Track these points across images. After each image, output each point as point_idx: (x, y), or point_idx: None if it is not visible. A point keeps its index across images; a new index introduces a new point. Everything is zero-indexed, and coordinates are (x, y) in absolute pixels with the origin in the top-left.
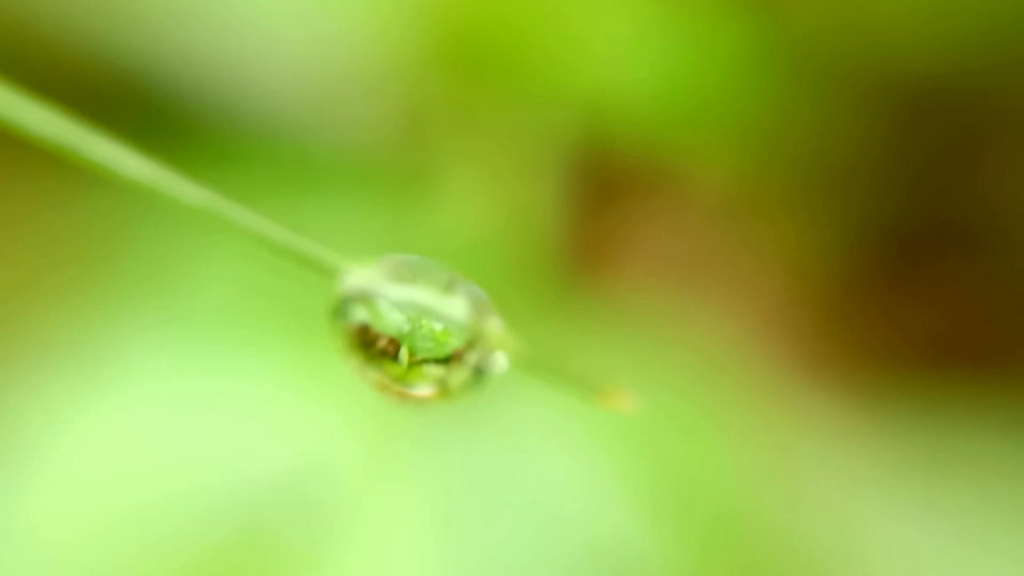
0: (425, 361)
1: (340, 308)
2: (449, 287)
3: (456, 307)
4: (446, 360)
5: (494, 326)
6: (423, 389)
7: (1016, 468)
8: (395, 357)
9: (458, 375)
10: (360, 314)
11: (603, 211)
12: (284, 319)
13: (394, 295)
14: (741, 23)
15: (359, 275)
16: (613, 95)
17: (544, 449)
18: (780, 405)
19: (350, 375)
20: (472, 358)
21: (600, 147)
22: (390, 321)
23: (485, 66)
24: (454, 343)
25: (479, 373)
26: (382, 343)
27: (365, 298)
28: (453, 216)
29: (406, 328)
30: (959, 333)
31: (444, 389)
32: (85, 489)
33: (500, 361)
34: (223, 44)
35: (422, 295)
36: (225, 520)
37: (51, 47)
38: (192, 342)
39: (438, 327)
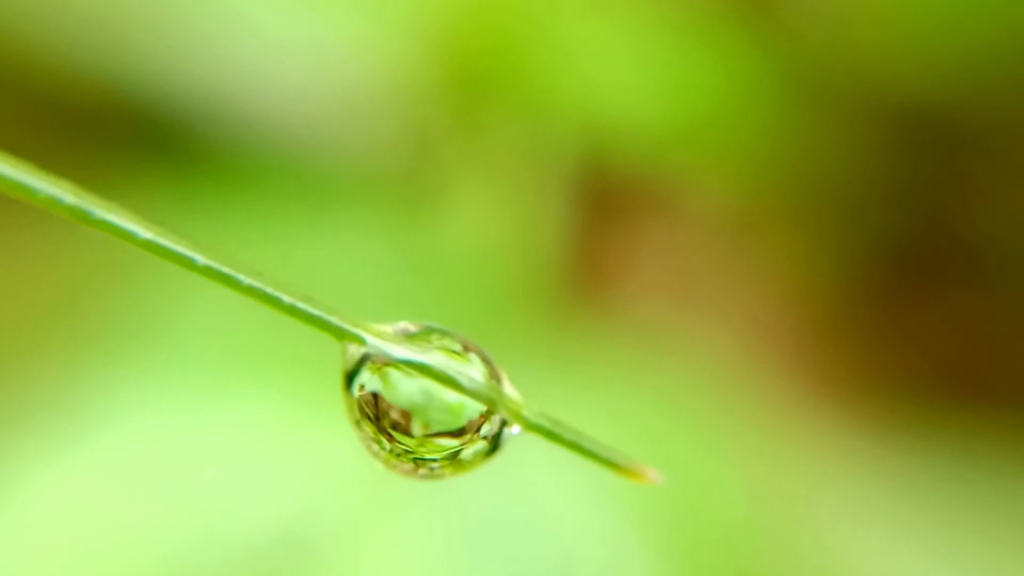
0: (439, 434)
1: (351, 376)
2: (464, 352)
3: (472, 374)
4: (460, 431)
5: (510, 395)
6: (434, 463)
7: (1019, 493)
8: (407, 430)
9: (472, 447)
10: (372, 383)
11: (605, 229)
12: (275, 365)
13: (409, 359)
14: (742, 47)
15: (372, 340)
16: (615, 116)
17: (547, 490)
18: (781, 425)
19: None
20: (487, 429)
21: (602, 166)
22: (403, 392)
23: (490, 87)
24: (469, 414)
25: (494, 443)
26: (394, 415)
27: (378, 365)
28: (458, 234)
29: (420, 400)
30: (960, 356)
31: (457, 461)
32: (70, 541)
33: (514, 431)
34: (232, 65)
35: (438, 360)
36: (222, 571)
37: (59, 71)
38: (181, 389)
39: (453, 399)
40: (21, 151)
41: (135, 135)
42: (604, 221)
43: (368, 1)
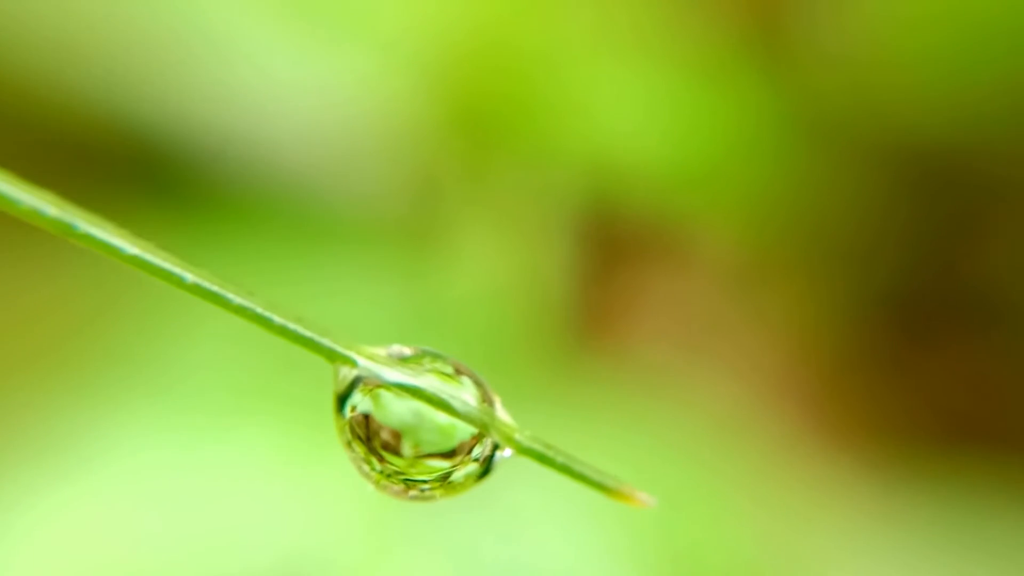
0: (430, 455)
1: (343, 397)
2: (456, 375)
3: (464, 396)
4: (451, 453)
5: (501, 418)
6: (425, 485)
7: (1019, 537)
8: (397, 451)
9: (463, 469)
10: (364, 404)
11: (611, 274)
12: (276, 403)
13: (401, 382)
14: (753, 90)
15: (364, 362)
16: (622, 159)
17: (546, 533)
18: (786, 473)
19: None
20: (478, 451)
21: (609, 211)
22: (394, 413)
23: (496, 129)
24: (461, 436)
25: (485, 466)
26: (384, 435)
27: (370, 387)
28: (463, 277)
29: (411, 421)
30: (966, 405)
31: (448, 483)
32: (67, 573)
33: (506, 454)
34: (236, 105)
35: (430, 383)
36: None
37: (66, 110)
38: (181, 425)
39: (444, 420)
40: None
41: (136, 172)
42: (611, 266)
43: (374, 41)
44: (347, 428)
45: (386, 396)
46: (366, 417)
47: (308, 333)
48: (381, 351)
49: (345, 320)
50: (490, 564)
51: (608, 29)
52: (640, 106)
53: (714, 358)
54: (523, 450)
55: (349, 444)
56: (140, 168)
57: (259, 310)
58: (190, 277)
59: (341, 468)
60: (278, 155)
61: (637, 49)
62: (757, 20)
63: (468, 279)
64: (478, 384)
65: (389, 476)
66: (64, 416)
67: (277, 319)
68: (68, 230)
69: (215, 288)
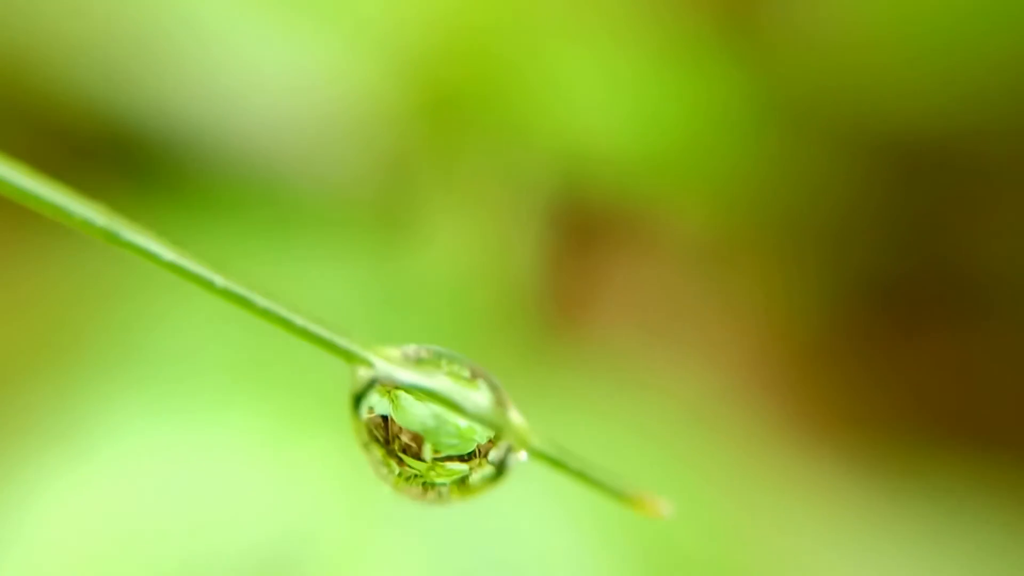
0: (449, 458)
1: (360, 399)
2: (472, 378)
3: (480, 401)
4: (468, 456)
5: (518, 421)
6: (443, 487)
7: (1001, 532)
8: (418, 454)
9: (480, 472)
10: (382, 406)
11: (581, 257)
12: (270, 385)
13: (418, 383)
14: (725, 72)
15: (381, 364)
16: (591, 144)
17: (532, 517)
18: (757, 459)
19: (336, 433)
20: (495, 454)
21: (578, 195)
22: (414, 416)
23: (466, 113)
24: (478, 439)
25: (501, 469)
26: (405, 439)
27: (387, 389)
28: (433, 261)
29: (431, 424)
30: (945, 392)
31: (464, 486)
32: (64, 559)
33: (521, 456)
34: (210, 90)
35: (447, 385)
36: None
37: (43, 97)
38: (174, 408)
39: (463, 423)
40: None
41: (111, 156)
42: (580, 250)
43: (346, 26)
44: (364, 430)
45: (405, 399)
46: (384, 419)
47: (327, 334)
48: (397, 352)
49: (316, 301)
50: (469, 545)
51: (578, 14)
52: (609, 91)
53: (684, 343)
54: (537, 454)
55: (366, 446)
56: (114, 152)
57: (282, 313)
58: (220, 281)
59: (326, 455)
60: (251, 139)
61: (607, 33)
62: (730, 2)
63: (438, 262)
64: (493, 387)
65: (408, 479)
66: (58, 401)
67: (299, 321)
68: (115, 238)
69: (242, 291)
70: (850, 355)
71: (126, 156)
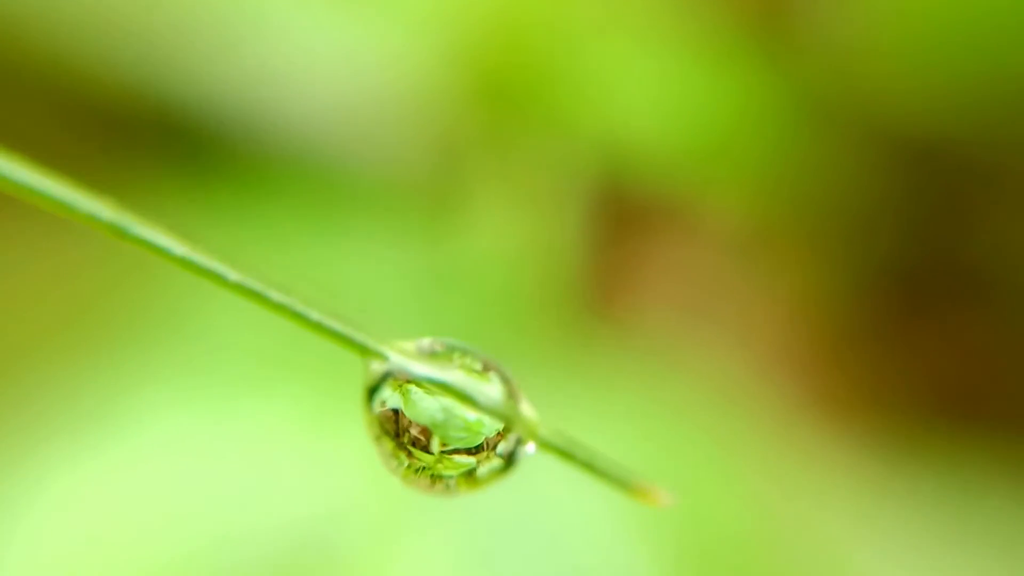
0: (456, 451)
1: (372, 392)
2: (484, 371)
3: (491, 392)
4: (476, 449)
5: (527, 413)
6: (451, 479)
7: (1019, 513)
8: (426, 447)
9: (487, 465)
10: (393, 400)
11: (621, 243)
12: (300, 370)
13: (430, 376)
14: (758, 71)
15: (395, 357)
16: (634, 133)
17: (561, 499)
18: (787, 440)
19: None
20: (503, 447)
21: (620, 182)
22: (424, 409)
23: (514, 101)
24: (486, 433)
25: (509, 462)
26: (414, 431)
27: (399, 382)
28: (479, 245)
29: (440, 417)
30: (961, 377)
31: (472, 478)
32: (93, 542)
33: (529, 449)
34: (260, 71)
35: (458, 378)
36: (247, 571)
37: (94, 78)
38: (205, 393)
39: (472, 417)
40: (53, 153)
41: (163, 139)
42: (621, 235)
43: (400, 12)
44: (376, 423)
45: (415, 393)
46: (395, 412)
47: (342, 329)
48: (411, 345)
49: (365, 282)
50: (497, 528)
51: (623, 10)
52: (652, 84)
53: (719, 326)
54: (545, 445)
55: (378, 439)
56: (164, 133)
57: (296, 307)
58: (233, 276)
59: (356, 438)
60: (303, 122)
61: (650, 30)
62: (763, 6)
63: (484, 245)
64: (505, 380)
65: (417, 471)
66: (89, 384)
67: (313, 315)
68: (122, 233)
69: (256, 287)
70: (872, 339)
71: (179, 140)
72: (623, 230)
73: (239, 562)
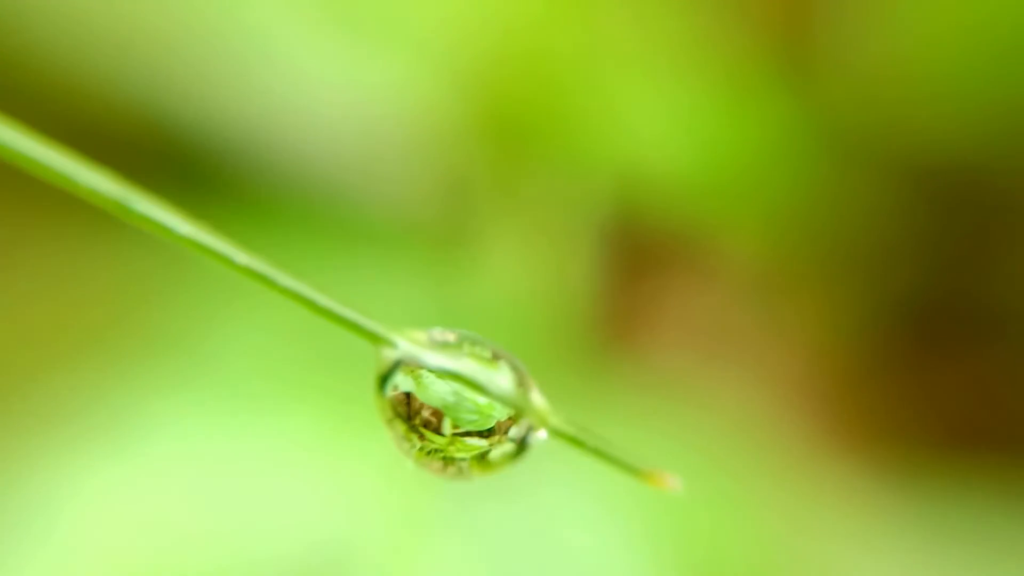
0: (468, 434)
1: (385, 377)
2: (494, 360)
3: (501, 380)
4: (488, 433)
5: (537, 400)
6: (463, 462)
7: None
8: (438, 429)
9: (500, 448)
10: (405, 384)
11: (635, 281)
12: (313, 388)
13: (441, 365)
14: (776, 105)
15: (405, 345)
16: (647, 168)
17: (573, 520)
18: (802, 477)
19: (381, 440)
20: (515, 432)
21: (634, 219)
22: (435, 392)
23: (525, 136)
24: (498, 416)
25: (520, 446)
26: (426, 414)
27: (411, 368)
28: (490, 281)
29: (451, 400)
30: (975, 414)
31: (484, 462)
32: (104, 556)
33: (541, 435)
34: (267, 106)
35: (468, 366)
36: None
37: (99, 99)
38: (218, 408)
39: (483, 400)
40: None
41: (166, 167)
42: (635, 274)
43: (408, 44)
44: (388, 406)
45: (427, 376)
46: (407, 396)
47: (353, 315)
48: (422, 334)
49: (372, 320)
50: (513, 552)
51: (637, 39)
52: (667, 116)
53: (734, 365)
54: (556, 432)
55: (390, 422)
56: (170, 163)
57: (306, 292)
58: (242, 258)
59: (375, 452)
60: (309, 155)
61: (665, 60)
62: (784, 35)
63: (495, 283)
64: (515, 369)
65: (429, 453)
66: (112, 399)
67: (323, 301)
68: (125, 210)
69: (265, 270)
70: (887, 376)
71: (182, 170)
72: (638, 267)
73: None
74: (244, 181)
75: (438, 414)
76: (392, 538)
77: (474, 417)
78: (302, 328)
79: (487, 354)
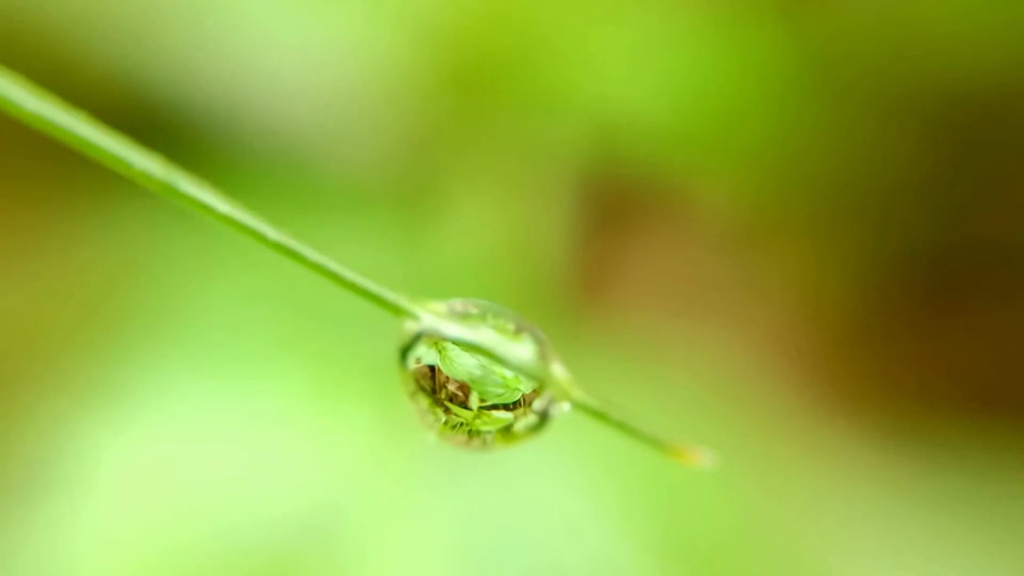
0: (494, 407)
1: (407, 350)
2: (517, 332)
3: (525, 352)
4: (514, 405)
5: (561, 372)
6: (488, 435)
7: None
8: (464, 403)
9: (524, 420)
10: (428, 357)
11: (609, 235)
12: (307, 353)
13: (466, 338)
14: (767, 36)
15: (428, 317)
16: (622, 115)
17: (556, 488)
18: (787, 435)
19: (371, 410)
20: (539, 404)
21: (609, 168)
22: (461, 366)
23: (493, 87)
24: (523, 389)
25: (544, 418)
26: (451, 387)
27: (434, 341)
28: (460, 236)
29: (478, 373)
30: (983, 371)
31: (508, 434)
32: (105, 526)
33: (564, 407)
34: (230, 65)
35: (490, 338)
36: (249, 557)
37: (64, 68)
38: (206, 380)
39: (509, 373)
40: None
41: (132, 131)
42: (609, 227)
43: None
44: (411, 380)
45: (452, 350)
46: (431, 369)
47: (376, 288)
48: (443, 306)
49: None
50: (499, 516)
51: None
52: (641, 58)
53: (713, 321)
54: (579, 405)
55: (413, 396)
56: (133, 127)
57: (333, 267)
58: (273, 234)
59: (363, 420)
60: (273, 115)
61: None
62: None
63: (463, 241)
64: (539, 341)
65: (453, 427)
66: (109, 371)
67: (348, 274)
68: (172, 191)
69: (295, 245)
70: (882, 331)
71: (145, 132)
72: (611, 220)
73: (235, 549)
74: (205, 143)
75: (464, 388)
76: (381, 499)
77: (500, 391)
78: (295, 296)
79: (510, 326)
